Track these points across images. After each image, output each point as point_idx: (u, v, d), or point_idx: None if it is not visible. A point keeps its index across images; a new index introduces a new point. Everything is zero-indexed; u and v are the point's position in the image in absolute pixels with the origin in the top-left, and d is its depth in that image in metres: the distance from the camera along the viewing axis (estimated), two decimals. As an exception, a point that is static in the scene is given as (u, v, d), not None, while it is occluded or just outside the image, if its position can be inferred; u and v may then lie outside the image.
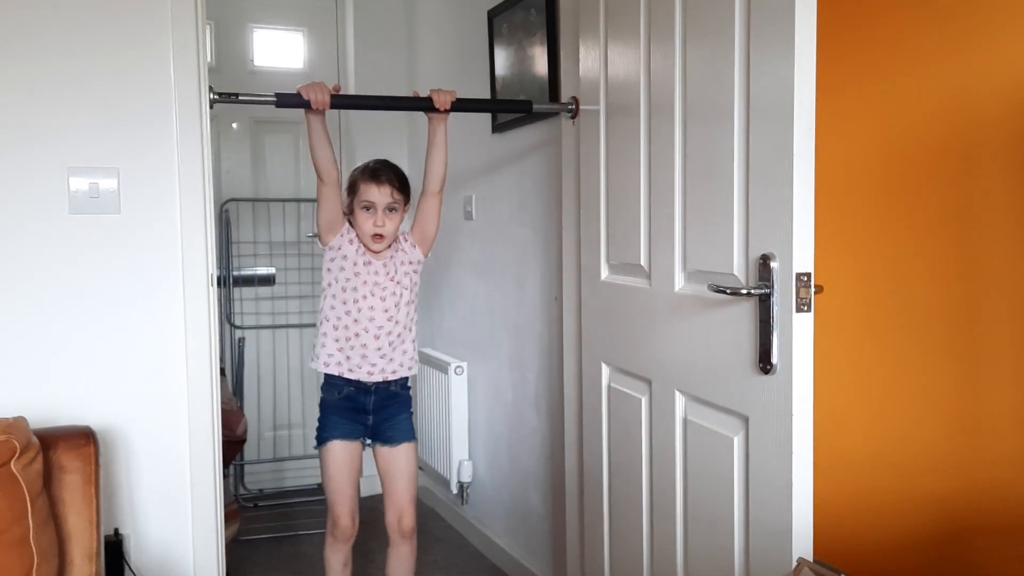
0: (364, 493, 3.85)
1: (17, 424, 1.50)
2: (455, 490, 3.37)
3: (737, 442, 1.60)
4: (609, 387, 2.11)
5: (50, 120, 1.83)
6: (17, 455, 1.45)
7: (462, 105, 2.21)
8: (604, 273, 2.11)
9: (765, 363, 1.49)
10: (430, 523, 3.57)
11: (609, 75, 2.05)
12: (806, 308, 1.45)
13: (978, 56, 1.37)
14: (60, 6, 1.83)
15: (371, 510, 3.74)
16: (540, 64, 2.63)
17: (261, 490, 3.91)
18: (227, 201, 3.76)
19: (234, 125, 3.91)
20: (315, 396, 3.97)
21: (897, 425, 1.54)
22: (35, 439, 1.52)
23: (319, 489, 3.96)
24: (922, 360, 1.49)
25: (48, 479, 1.55)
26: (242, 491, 3.84)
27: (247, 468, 3.89)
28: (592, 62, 2.12)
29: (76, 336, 1.86)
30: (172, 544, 1.93)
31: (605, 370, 2.13)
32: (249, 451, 3.85)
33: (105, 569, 1.67)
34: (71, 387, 1.84)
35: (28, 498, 1.44)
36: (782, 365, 1.47)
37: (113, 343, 1.89)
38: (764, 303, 1.49)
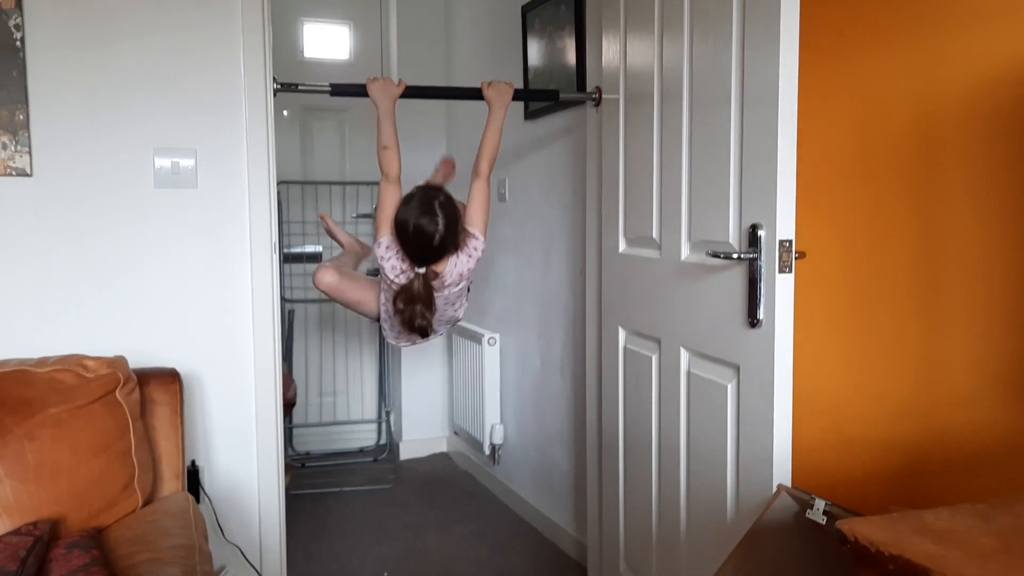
0: (403, 456, 4.14)
1: (119, 361, 1.79)
2: (487, 451, 3.64)
3: (730, 388, 1.84)
4: (625, 348, 2.35)
5: (139, 107, 2.12)
6: (121, 385, 1.74)
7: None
8: (622, 246, 2.35)
9: (753, 318, 1.73)
10: (464, 482, 3.84)
11: (628, 67, 2.28)
12: (787, 270, 1.68)
13: (942, 51, 1.58)
14: (148, 11, 2.11)
15: (409, 469, 4.04)
16: (569, 56, 2.87)
17: (308, 452, 4.21)
18: (278, 183, 4.04)
19: (284, 112, 4.20)
20: (358, 367, 4.30)
21: (869, 373, 1.76)
22: (133, 375, 1.81)
23: (362, 452, 4.28)
24: (890, 316, 1.70)
25: (142, 409, 1.84)
26: (291, 452, 4.15)
27: (295, 431, 4.20)
28: (613, 55, 2.35)
29: (161, 292, 2.15)
30: (239, 475, 2.22)
31: (621, 333, 2.37)
32: (297, 415, 4.16)
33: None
34: (156, 335, 2.14)
35: (130, 420, 1.73)
36: (767, 319, 1.70)
37: (190, 299, 2.18)
38: (752, 266, 1.72)
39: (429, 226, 2.02)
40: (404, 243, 2.06)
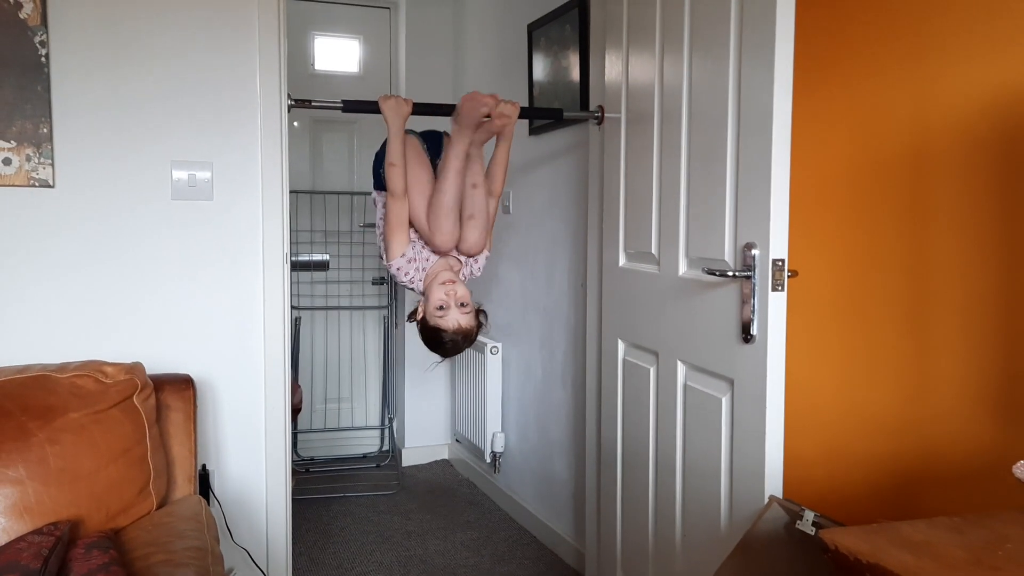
0: (405, 463, 4.20)
1: (136, 367, 1.86)
2: (488, 460, 3.70)
3: (725, 402, 1.90)
4: (624, 360, 2.42)
5: (158, 121, 2.19)
6: (138, 391, 1.81)
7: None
8: (622, 260, 2.42)
9: (747, 334, 1.79)
10: (464, 490, 3.90)
11: (630, 86, 2.35)
12: (780, 288, 1.74)
13: (930, 78, 1.64)
14: (168, 29, 2.19)
15: (411, 476, 4.10)
16: (573, 73, 2.94)
17: (312, 457, 4.28)
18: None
19: (295, 123, 4.27)
20: (363, 374, 4.37)
21: (859, 390, 1.82)
22: (149, 381, 1.88)
23: (365, 458, 4.34)
24: (880, 335, 1.76)
25: (157, 414, 1.90)
26: (295, 458, 4.21)
27: (300, 437, 4.26)
28: (616, 74, 2.42)
29: (176, 300, 2.23)
30: (248, 479, 2.29)
31: (621, 346, 2.43)
32: (302, 421, 4.22)
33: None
34: (171, 342, 2.21)
35: (147, 425, 1.80)
36: (760, 335, 1.76)
37: (204, 308, 2.25)
38: (747, 284, 1.78)
39: (463, 345, 2.13)
40: (432, 345, 2.12)
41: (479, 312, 2.15)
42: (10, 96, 2.07)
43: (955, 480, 1.62)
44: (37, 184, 2.11)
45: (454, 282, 2.08)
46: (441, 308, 2.06)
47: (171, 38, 2.19)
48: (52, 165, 2.12)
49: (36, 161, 2.11)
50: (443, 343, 2.10)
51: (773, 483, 1.76)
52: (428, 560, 3.09)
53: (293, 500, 2.43)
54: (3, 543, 1.55)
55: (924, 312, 1.67)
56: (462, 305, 2.07)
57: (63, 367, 1.81)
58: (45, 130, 2.10)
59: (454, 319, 2.06)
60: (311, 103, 2.36)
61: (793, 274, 1.77)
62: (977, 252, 1.56)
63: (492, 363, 3.66)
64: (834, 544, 1.07)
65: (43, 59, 2.10)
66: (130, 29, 2.16)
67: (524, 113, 2.48)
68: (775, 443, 1.76)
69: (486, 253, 2.25)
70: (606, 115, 2.48)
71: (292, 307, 4.21)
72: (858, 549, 1.04)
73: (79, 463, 1.67)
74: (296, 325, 4.22)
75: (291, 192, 4.13)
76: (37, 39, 2.09)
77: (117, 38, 2.15)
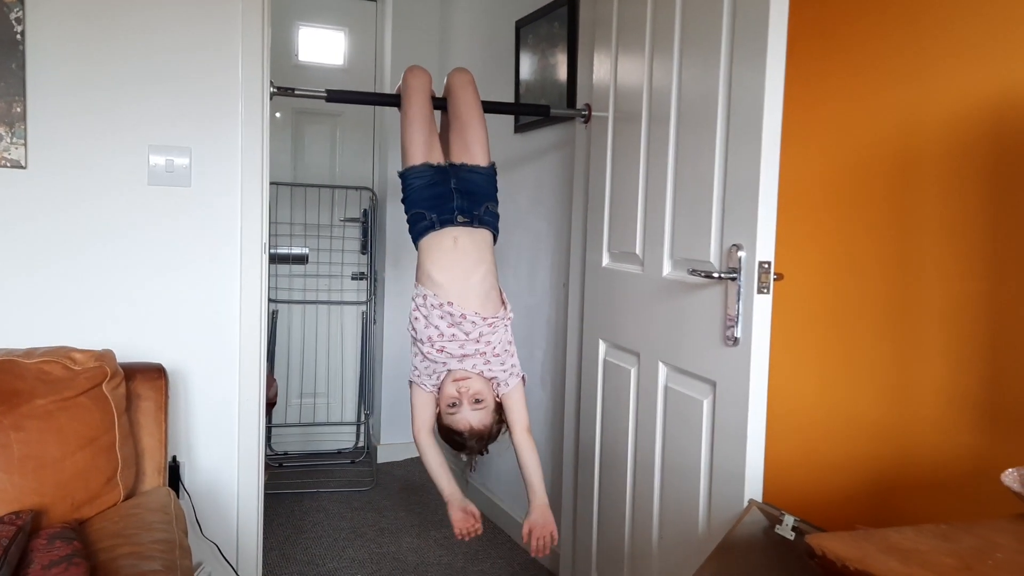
0: (381, 459, 4.15)
1: (106, 355, 1.81)
2: (464, 458, 3.65)
3: (706, 404, 1.88)
4: (604, 361, 2.39)
5: (136, 104, 2.14)
6: (108, 378, 1.76)
7: (487, 107, 2.47)
8: (605, 260, 2.40)
9: (730, 336, 1.77)
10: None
11: (618, 86, 2.33)
12: (765, 291, 1.73)
13: (920, 83, 1.64)
14: (149, 10, 2.13)
15: (386, 473, 4.05)
16: (560, 72, 2.92)
17: (286, 452, 4.22)
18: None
19: (277, 114, 4.22)
20: (339, 369, 4.32)
21: (841, 395, 1.81)
22: (120, 369, 1.83)
23: (340, 454, 4.29)
24: (864, 340, 1.75)
25: (127, 403, 1.85)
26: (268, 452, 4.15)
27: (274, 431, 4.20)
28: (604, 74, 2.40)
29: (150, 289, 2.17)
30: (219, 472, 2.24)
31: (602, 346, 2.41)
32: (276, 415, 4.17)
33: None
34: (144, 330, 2.16)
35: (115, 414, 1.75)
36: (744, 338, 1.75)
37: (179, 297, 2.20)
38: (732, 285, 1.77)
39: (482, 447, 2.06)
40: (453, 446, 2.05)
41: (499, 405, 2.00)
42: (-17, 73, 2.02)
43: (934, 485, 1.62)
44: (9, 165, 2.05)
45: (468, 378, 1.95)
46: (452, 405, 1.95)
47: (152, 19, 2.14)
48: (25, 146, 2.06)
49: (8, 141, 2.05)
50: (463, 446, 1.99)
51: (753, 487, 1.75)
52: (401, 557, 3.06)
53: (265, 495, 2.38)
54: (-38, 532, 1.49)
55: (906, 317, 1.66)
56: (476, 401, 1.95)
57: (30, 352, 1.76)
58: (19, 109, 2.05)
59: (464, 419, 1.95)
60: (294, 91, 2.32)
61: (779, 277, 1.76)
62: (960, 258, 1.55)
63: (471, 361, 3.62)
64: (821, 550, 1.05)
65: (19, 36, 2.04)
66: (110, 9, 2.11)
67: (509, 110, 2.46)
68: (756, 447, 1.74)
69: (506, 312, 2.10)
70: (593, 113, 2.46)
71: (270, 300, 4.16)
72: (846, 555, 1.02)
73: (44, 451, 1.62)
74: (273, 318, 4.17)
75: (271, 183, 4.07)
76: (13, 15, 2.03)
77: (96, 18, 2.10)
